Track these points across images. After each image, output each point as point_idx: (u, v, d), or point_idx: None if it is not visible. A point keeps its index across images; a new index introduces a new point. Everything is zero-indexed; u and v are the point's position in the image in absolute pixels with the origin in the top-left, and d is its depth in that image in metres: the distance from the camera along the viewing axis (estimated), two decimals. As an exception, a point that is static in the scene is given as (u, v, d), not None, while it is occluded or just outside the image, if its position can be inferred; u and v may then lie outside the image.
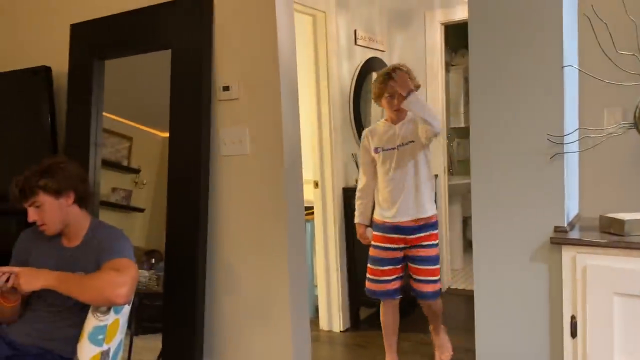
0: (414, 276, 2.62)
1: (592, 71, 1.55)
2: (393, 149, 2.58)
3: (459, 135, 5.24)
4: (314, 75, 3.23)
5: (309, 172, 3.33)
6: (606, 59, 1.46)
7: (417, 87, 2.60)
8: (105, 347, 1.72)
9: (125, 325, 1.88)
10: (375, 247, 2.68)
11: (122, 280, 1.66)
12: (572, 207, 1.67)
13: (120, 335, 1.82)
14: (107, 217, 2.75)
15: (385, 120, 2.71)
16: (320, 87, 3.22)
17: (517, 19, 1.54)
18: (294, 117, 2.23)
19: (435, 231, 2.62)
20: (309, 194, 3.39)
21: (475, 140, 1.64)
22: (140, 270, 2.67)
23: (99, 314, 1.71)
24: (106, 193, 2.89)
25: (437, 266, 2.60)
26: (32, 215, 1.79)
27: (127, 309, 1.83)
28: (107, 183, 2.78)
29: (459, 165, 5.16)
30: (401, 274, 2.66)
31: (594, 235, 1.49)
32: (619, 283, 1.38)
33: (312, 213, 3.51)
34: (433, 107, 2.55)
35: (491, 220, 1.61)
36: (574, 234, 1.52)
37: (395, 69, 2.62)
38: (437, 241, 2.62)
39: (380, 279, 2.64)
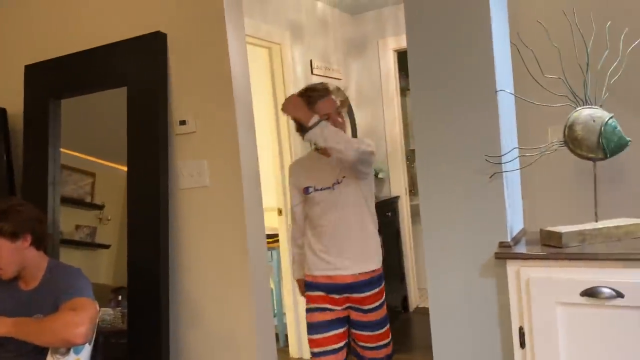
0: (362, 343, 2.20)
1: (532, 92, 1.64)
2: (328, 188, 2.13)
3: (420, 156, 5.35)
4: (273, 105, 3.30)
5: (272, 200, 3.37)
6: (543, 80, 1.56)
7: (337, 108, 2.17)
8: (66, 387, 1.70)
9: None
10: (312, 310, 2.17)
11: (79, 319, 1.65)
12: (516, 222, 1.75)
13: (82, 374, 1.80)
14: (71, 255, 2.72)
15: (315, 149, 2.23)
16: (279, 115, 3.29)
17: (451, 46, 1.64)
18: (252, 148, 2.28)
19: (382, 285, 2.21)
20: (274, 222, 3.43)
21: (421, 162, 1.71)
22: (105, 309, 2.65)
23: (58, 356, 1.70)
24: (70, 231, 2.86)
25: (388, 326, 2.21)
26: None
27: (87, 348, 1.82)
28: (70, 221, 2.75)
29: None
30: (347, 340, 2.21)
31: (536, 248, 1.57)
32: (560, 292, 1.45)
33: (278, 240, 3.54)
34: (341, 131, 2.08)
35: (440, 239, 1.68)
36: (518, 248, 1.60)
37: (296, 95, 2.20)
38: (384, 298, 2.22)
39: (327, 349, 2.14)
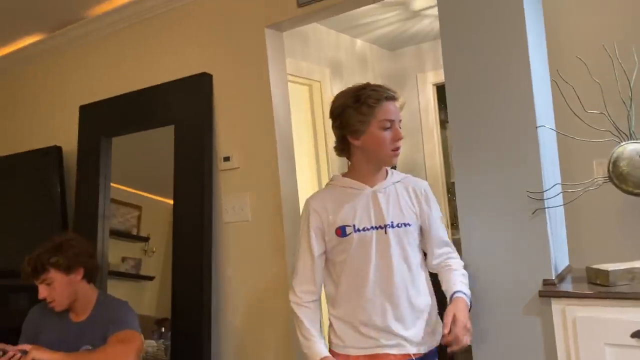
0: None
1: (575, 126, 1.63)
2: (376, 228, 1.54)
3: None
4: (313, 141, 3.36)
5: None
6: (585, 116, 1.55)
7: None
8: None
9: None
10: None
11: (126, 351, 1.71)
12: (561, 259, 1.71)
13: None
14: (117, 286, 2.80)
15: (346, 175, 1.63)
16: (318, 151, 3.34)
17: (489, 82, 1.65)
18: (292, 183, 2.32)
19: None
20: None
21: (461, 199, 1.71)
22: (148, 340, 2.70)
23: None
24: (116, 263, 2.93)
25: None
26: (43, 292, 1.85)
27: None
28: (117, 253, 2.83)
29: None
30: None
31: (582, 286, 1.53)
32: (609, 333, 1.40)
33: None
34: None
35: (482, 277, 1.66)
36: (564, 286, 1.56)
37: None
38: None
39: None
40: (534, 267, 1.58)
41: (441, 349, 1.56)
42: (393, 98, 1.56)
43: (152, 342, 2.74)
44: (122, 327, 1.83)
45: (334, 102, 1.62)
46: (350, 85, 1.61)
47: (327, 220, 1.57)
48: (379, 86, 1.58)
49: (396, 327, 1.52)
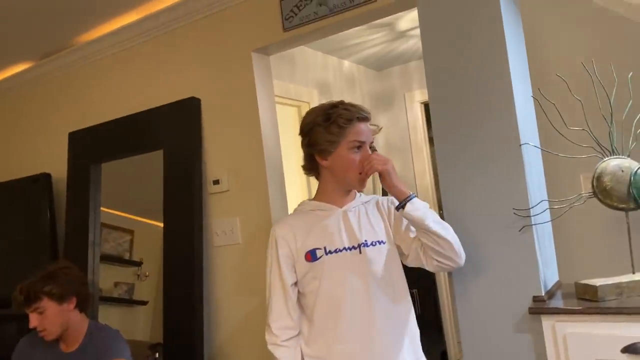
0: None
1: (559, 143, 1.65)
2: (350, 249, 1.45)
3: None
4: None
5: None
6: (567, 132, 1.58)
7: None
8: None
9: None
10: None
11: None
12: (550, 275, 1.72)
13: None
14: (110, 312, 2.77)
15: (315, 200, 1.56)
16: (309, 179, 3.35)
17: (472, 102, 1.68)
18: (282, 204, 2.33)
19: None
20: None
21: (448, 216, 1.72)
22: (141, 365, 2.67)
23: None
24: (108, 288, 2.90)
25: None
26: (34, 321, 1.82)
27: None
28: (109, 278, 2.80)
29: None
30: None
31: (572, 302, 1.53)
32: (599, 349, 1.40)
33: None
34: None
35: (472, 295, 1.66)
36: (553, 303, 1.57)
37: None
38: None
39: None
40: (523, 283, 1.58)
41: None
42: (365, 119, 1.47)
43: (145, 368, 2.70)
44: (113, 356, 1.82)
45: (304, 118, 1.54)
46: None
47: (295, 247, 1.45)
48: (352, 105, 1.49)
49: (380, 356, 1.41)
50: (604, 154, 1.57)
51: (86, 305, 1.96)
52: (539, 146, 1.76)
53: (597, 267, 1.78)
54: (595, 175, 1.55)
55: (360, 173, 1.45)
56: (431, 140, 4.33)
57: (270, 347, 1.48)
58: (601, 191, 1.54)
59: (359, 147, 1.44)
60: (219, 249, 2.39)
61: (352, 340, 1.41)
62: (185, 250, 2.35)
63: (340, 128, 1.44)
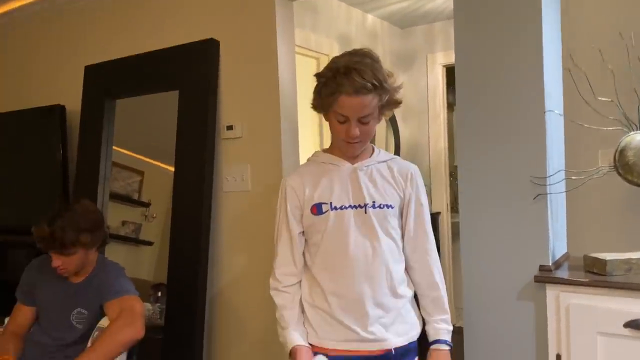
0: None
1: (584, 115, 1.61)
2: (354, 207, 1.43)
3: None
4: (317, 114, 3.33)
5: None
6: (595, 104, 1.53)
7: (395, 101, 1.46)
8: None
9: (123, 357, 1.92)
10: None
11: (133, 317, 1.76)
12: (559, 246, 1.71)
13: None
14: (116, 250, 2.80)
15: (326, 151, 1.54)
16: (323, 126, 3.32)
17: (500, 65, 1.63)
18: (294, 155, 2.31)
19: (417, 356, 1.52)
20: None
21: (463, 181, 1.70)
22: (145, 303, 2.73)
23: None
24: (116, 226, 2.93)
25: None
26: (57, 261, 1.82)
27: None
28: (117, 216, 2.84)
29: (463, 202, 5.19)
30: None
31: (578, 274, 1.53)
32: (602, 322, 1.40)
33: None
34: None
35: (479, 259, 1.66)
36: (559, 273, 1.56)
37: (359, 54, 1.40)
38: None
39: None
40: (532, 252, 1.57)
41: (420, 341, 1.50)
42: (358, 92, 1.33)
43: (148, 305, 2.76)
44: (120, 293, 1.84)
45: (328, 64, 1.42)
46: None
47: (304, 198, 1.45)
48: (348, 76, 1.33)
49: (375, 314, 1.40)
50: (630, 128, 1.53)
51: (104, 246, 1.99)
52: (563, 115, 1.71)
53: (606, 243, 1.77)
54: (619, 149, 1.52)
55: (347, 142, 1.41)
56: (450, 106, 4.26)
57: (271, 292, 1.51)
58: (623, 165, 1.51)
59: (343, 120, 1.38)
60: (228, 195, 2.39)
61: (349, 294, 1.41)
62: (194, 193, 2.36)
63: (327, 97, 1.38)
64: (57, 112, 2.84)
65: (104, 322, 1.81)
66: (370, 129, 1.40)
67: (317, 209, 1.44)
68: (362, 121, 1.37)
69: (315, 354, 1.41)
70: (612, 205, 2.03)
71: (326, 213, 1.43)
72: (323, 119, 1.49)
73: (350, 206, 1.43)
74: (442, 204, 4.04)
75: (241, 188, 2.34)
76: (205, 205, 2.34)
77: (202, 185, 2.34)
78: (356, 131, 1.37)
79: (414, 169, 1.52)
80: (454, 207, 4.50)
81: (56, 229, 1.78)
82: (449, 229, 4.14)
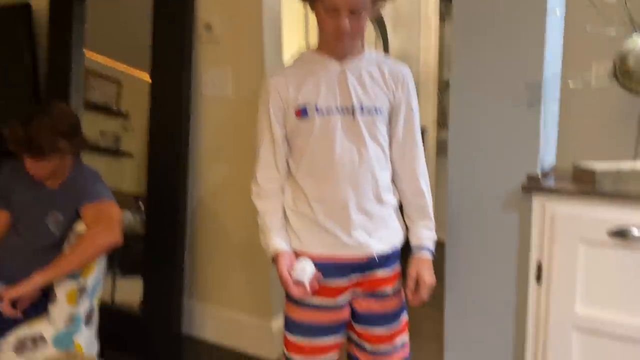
0: (370, 346, 1.47)
1: (584, 22, 1.51)
2: (342, 110, 1.35)
3: (452, 88, 5.17)
4: (303, 17, 3.16)
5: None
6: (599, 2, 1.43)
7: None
8: (82, 281, 1.75)
9: (104, 265, 1.90)
10: (301, 304, 1.42)
11: (109, 225, 1.70)
12: (548, 156, 1.67)
13: (98, 273, 1.84)
14: (95, 161, 2.75)
15: (315, 51, 1.41)
16: (309, 23, 3.15)
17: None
18: (278, 59, 2.19)
19: (399, 263, 1.49)
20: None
21: (455, 88, 1.62)
22: (125, 211, 2.70)
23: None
24: (94, 137, 2.88)
25: (406, 317, 1.51)
26: (31, 167, 1.73)
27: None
28: (95, 127, 2.76)
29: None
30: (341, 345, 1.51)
31: (566, 184, 1.49)
32: (586, 231, 1.39)
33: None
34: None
35: (466, 167, 1.61)
36: (547, 183, 1.52)
37: None
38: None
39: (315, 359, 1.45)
40: (521, 161, 1.53)
41: (403, 250, 1.47)
42: None
43: (128, 214, 2.74)
44: (96, 198, 1.78)
45: None
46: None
47: (287, 100, 1.36)
48: None
49: (359, 220, 1.36)
50: (634, 30, 1.43)
51: (80, 152, 1.90)
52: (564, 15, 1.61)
53: (595, 154, 1.73)
54: (620, 55, 1.43)
55: (336, 38, 1.30)
56: (442, 16, 4.07)
57: (253, 197, 1.44)
58: (623, 73, 1.44)
59: (334, 10, 1.25)
60: (208, 101, 2.29)
61: (333, 199, 1.36)
62: (173, 98, 2.25)
63: None
64: (22, 10, 2.64)
65: (79, 226, 1.76)
66: (362, 24, 1.29)
67: (301, 113, 1.35)
68: (354, 12, 1.25)
69: (299, 259, 1.38)
70: (602, 117, 1.98)
71: (311, 118, 1.34)
72: (311, 20, 1.37)
73: (336, 108, 1.34)
74: (429, 120, 3.97)
75: (222, 93, 2.24)
76: (184, 111, 2.24)
77: (180, 90, 2.23)
78: (346, 23, 1.24)
79: (406, 71, 1.41)
80: (441, 123, 4.44)
81: (32, 133, 1.67)
82: (434, 145, 4.10)
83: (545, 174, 1.59)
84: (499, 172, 1.57)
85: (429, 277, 1.40)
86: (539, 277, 1.49)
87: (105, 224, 1.71)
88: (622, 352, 1.39)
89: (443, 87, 4.35)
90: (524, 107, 1.50)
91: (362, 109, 1.34)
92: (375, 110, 1.35)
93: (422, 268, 1.40)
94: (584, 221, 1.40)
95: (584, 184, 1.45)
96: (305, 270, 1.33)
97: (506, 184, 1.56)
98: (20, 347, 1.67)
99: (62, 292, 1.72)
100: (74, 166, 1.88)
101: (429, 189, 1.46)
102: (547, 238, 1.45)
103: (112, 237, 1.71)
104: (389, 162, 1.42)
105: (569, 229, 1.41)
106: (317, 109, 1.33)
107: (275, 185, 1.42)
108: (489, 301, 1.63)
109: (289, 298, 1.43)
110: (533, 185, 1.49)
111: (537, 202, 1.47)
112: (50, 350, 1.70)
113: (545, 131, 1.58)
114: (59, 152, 1.73)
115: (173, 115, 2.26)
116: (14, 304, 1.65)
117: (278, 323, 2.31)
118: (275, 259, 1.37)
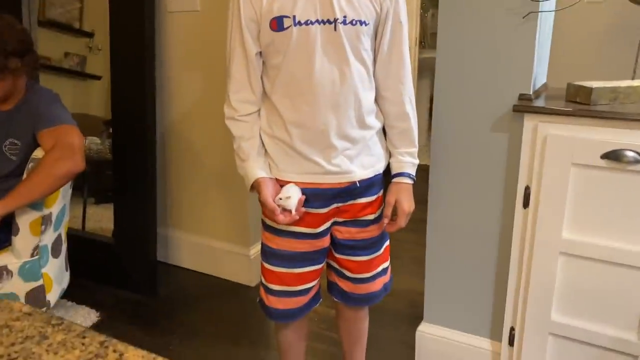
0: (351, 274, 1.43)
1: None
2: (322, 22, 1.20)
3: (435, 5, 4.95)
4: None
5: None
6: None
7: None
8: (45, 211, 1.65)
9: (68, 191, 1.80)
10: (280, 232, 1.35)
11: (69, 152, 1.58)
12: (540, 75, 1.57)
13: (62, 200, 1.74)
14: (60, 83, 2.62)
15: None
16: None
17: None
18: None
19: (382, 188, 1.41)
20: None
21: (445, 4, 1.47)
22: (91, 137, 2.57)
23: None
24: (58, 58, 2.72)
25: (388, 242, 1.47)
26: None
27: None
28: (58, 47, 2.64)
29: (431, 38, 4.95)
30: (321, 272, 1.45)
31: (560, 104, 1.41)
32: (578, 153, 1.32)
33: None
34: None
35: (453, 86, 1.51)
36: (539, 103, 1.44)
37: None
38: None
39: (295, 289, 1.39)
40: (513, 79, 1.43)
41: (386, 174, 1.39)
42: None
43: (96, 139, 2.61)
44: (55, 122, 1.65)
45: None
46: None
47: (261, 10, 1.20)
48: None
49: (340, 146, 1.27)
50: None
51: (34, 71, 1.75)
52: None
53: (586, 74, 1.64)
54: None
55: None
56: None
57: (227, 121, 1.31)
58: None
59: None
60: (174, 16, 2.10)
61: (311, 122, 1.24)
62: (135, 16, 2.05)
63: None
64: None
65: (38, 152, 1.63)
66: None
67: (277, 24, 1.19)
68: None
69: (286, 186, 1.28)
70: (598, 37, 1.87)
71: (288, 29, 1.18)
72: None
73: (317, 21, 1.18)
74: (411, 39, 3.80)
75: (189, 7, 2.05)
76: (148, 26, 2.05)
77: (143, 4, 2.02)
78: None
79: None
80: (422, 43, 4.27)
81: None
82: (415, 66, 3.96)
83: (537, 93, 1.49)
84: (489, 91, 1.47)
85: (407, 203, 1.34)
86: (526, 201, 1.44)
87: (64, 151, 1.58)
88: (608, 276, 1.37)
89: (426, 4, 4.15)
90: (519, 19, 1.38)
91: (344, 21, 1.19)
92: (360, 22, 1.20)
93: (402, 195, 1.33)
94: (577, 143, 1.32)
95: (579, 104, 1.36)
96: (292, 198, 1.24)
97: (496, 104, 1.47)
98: (-17, 280, 1.59)
99: (24, 222, 1.62)
100: (28, 87, 1.73)
101: (415, 110, 1.35)
102: (538, 161, 1.39)
103: (73, 165, 1.58)
104: (373, 81, 1.30)
105: (561, 151, 1.34)
106: (294, 20, 1.18)
107: (252, 109, 1.30)
108: (473, 225, 1.59)
109: (267, 226, 1.36)
110: (525, 105, 1.39)
111: (529, 124, 1.39)
112: (16, 281, 1.63)
113: (539, 48, 1.47)
114: (10, 72, 1.60)
115: (135, 35, 2.07)
116: None
117: (256, 250, 2.27)
118: (256, 187, 1.28)
